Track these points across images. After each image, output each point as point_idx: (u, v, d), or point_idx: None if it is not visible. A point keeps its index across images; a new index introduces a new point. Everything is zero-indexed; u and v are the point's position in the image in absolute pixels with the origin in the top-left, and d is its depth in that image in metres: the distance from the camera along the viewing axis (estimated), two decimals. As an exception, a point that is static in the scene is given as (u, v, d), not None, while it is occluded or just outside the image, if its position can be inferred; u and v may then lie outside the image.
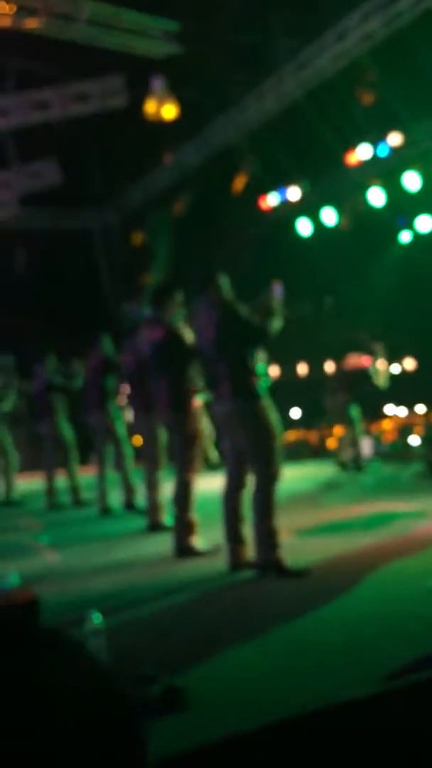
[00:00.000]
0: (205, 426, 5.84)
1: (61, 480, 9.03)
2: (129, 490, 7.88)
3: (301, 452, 11.47)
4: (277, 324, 4.94)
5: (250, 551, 4.93)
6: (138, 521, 7.13)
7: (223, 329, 4.94)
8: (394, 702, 0.70)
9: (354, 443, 9.77)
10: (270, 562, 4.73)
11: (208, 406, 5.77)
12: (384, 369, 9.61)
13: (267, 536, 4.74)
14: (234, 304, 5.01)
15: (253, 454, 4.84)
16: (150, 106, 10.48)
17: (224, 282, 5.12)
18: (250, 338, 4.94)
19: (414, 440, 10.30)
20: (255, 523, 4.80)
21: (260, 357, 5.04)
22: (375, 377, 9.50)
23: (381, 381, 9.56)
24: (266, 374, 5.15)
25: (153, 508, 6.79)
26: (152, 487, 6.81)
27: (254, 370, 4.93)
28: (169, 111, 10.45)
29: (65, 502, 8.94)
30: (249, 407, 4.82)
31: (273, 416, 4.90)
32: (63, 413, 9.03)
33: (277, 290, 5.09)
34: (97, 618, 3.29)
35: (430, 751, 0.60)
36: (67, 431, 9.04)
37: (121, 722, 0.68)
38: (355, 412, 9.75)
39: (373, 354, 9.49)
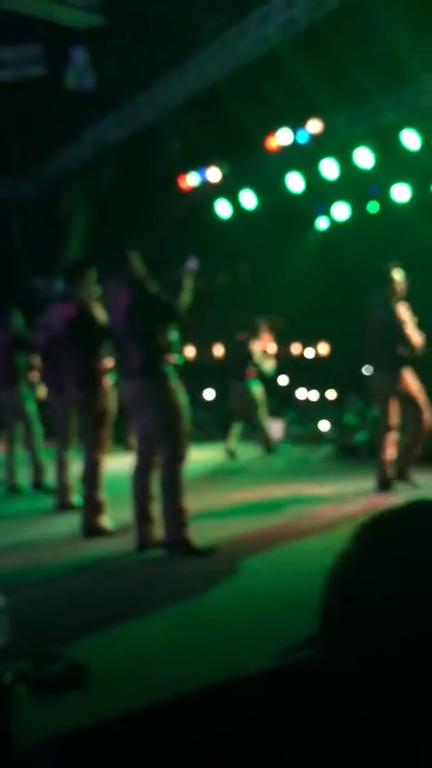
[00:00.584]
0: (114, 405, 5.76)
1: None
2: (38, 469, 7.78)
3: (212, 434, 11.56)
4: (185, 298, 4.92)
5: (158, 530, 4.94)
6: (46, 500, 7.06)
7: (133, 307, 4.92)
8: (284, 677, 0.71)
9: (260, 425, 9.65)
10: (177, 541, 4.76)
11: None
12: (265, 350, 9.52)
13: (174, 515, 4.76)
14: (145, 281, 4.99)
15: (160, 434, 4.83)
16: (69, 78, 10.25)
17: (135, 259, 5.08)
18: (160, 315, 4.93)
19: (324, 424, 10.53)
20: (163, 502, 4.82)
21: (172, 335, 5.04)
22: (261, 362, 9.41)
23: (266, 366, 9.48)
24: (178, 352, 5.15)
25: (62, 487, 6.73)
26: (62, 466, 6.74)
27: (164, 349, 4.92)
28: (89, 83, 10.24)
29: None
30: (158, 386, 4.81)
31: (181, 396, 4.91)
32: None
33: (191, 264, 5.08)
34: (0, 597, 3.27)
35: (314, 725, 0.62)
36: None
37: None
38: (257, 392, 9.65)
39: (255, 333, 9.41)
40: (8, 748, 0.66)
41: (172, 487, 4.80)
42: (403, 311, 6.47)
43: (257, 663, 0.84)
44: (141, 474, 5.04)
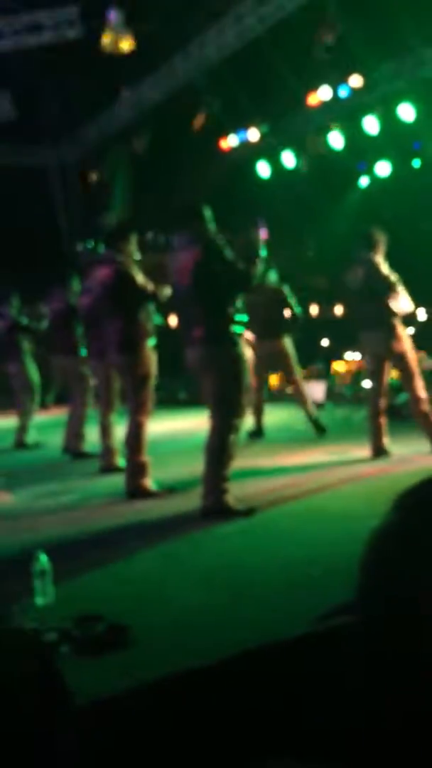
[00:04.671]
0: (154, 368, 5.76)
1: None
2: (78, 435, 7.86)
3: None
4: (259, 267, 4.72)
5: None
6: (94, 464, 7.19)
7: (204, 270, 4.63)
8: (323, 642, 0.73)
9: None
10: (219, 508, 4.74)
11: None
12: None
13: (218, 483, 4.74)
14: (219, 242, 4.68)
15: (219, 401, 4.76)
16: (106, 40, 10.18)
17: (209, 215, 4.80)
18: (234, 283, 4.67)
19: (367, 384, 10.46)
20: (208, 469, 4.77)
21: (239, 303, 4.78)
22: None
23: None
24: (243, 322, 4.93)
25: (107, 450, 6.84)
26: (105, 429, 6.85)
27: (231, 317, 4.71)
28: (126, 45, 10.17)
29: (30, 443, 8.92)
30: (223, 355, 4.69)
31: (244, 367, 4.79)
32: (28, 354, 8.95)
33: (262, 231, 4.80)
34: (43, 558, 3.38)
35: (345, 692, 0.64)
36: (33, 372, 8.99)
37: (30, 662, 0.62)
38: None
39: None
40: (66, 706, 0.65)
41: (221, 454, 4.72)
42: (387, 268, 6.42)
43: (294, 628, 0.86)
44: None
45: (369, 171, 11.45)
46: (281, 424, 9.25)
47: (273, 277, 8.04)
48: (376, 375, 6.60)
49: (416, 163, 10.76)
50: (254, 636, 2.74)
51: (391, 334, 6.33)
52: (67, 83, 12.95)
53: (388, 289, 6.34)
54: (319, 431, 8.02)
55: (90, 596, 3.46)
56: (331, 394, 10.96)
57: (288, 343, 8.06)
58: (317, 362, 11.86)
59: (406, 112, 9.97)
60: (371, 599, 0.72)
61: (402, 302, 6.38)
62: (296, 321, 8.26)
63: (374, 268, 6.41)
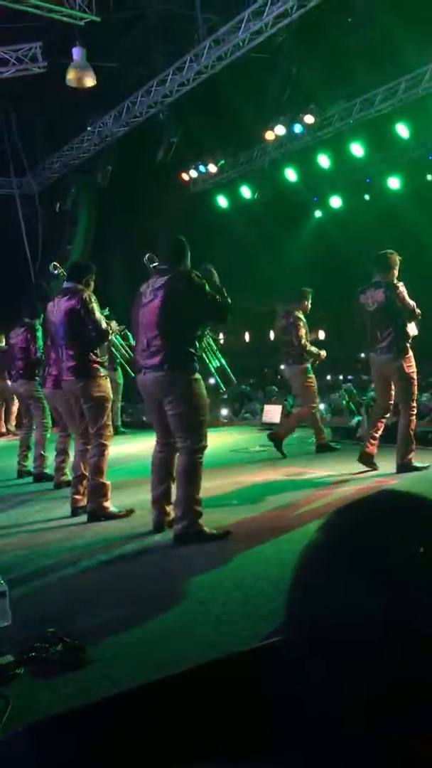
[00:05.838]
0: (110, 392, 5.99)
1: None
2: (40, 457, 8.05)
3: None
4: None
5: (172, 512, 4.98)
6: (50, 484, 7.39)
7: (182, 300, 4.81)
8: (266, 658, 0.84)
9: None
10: (192, 531, 4.79)
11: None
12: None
13: (191, 504, 4.81)
14: (199, 277, 4.86)
15: (182, 425, 4.87)
16: (70, 75, 10.51)
17: (188, 251, 5.03)
18: (213, 315, 4.96)
19: (320, 408, 10.82)
20: (178, 492, 4.87)
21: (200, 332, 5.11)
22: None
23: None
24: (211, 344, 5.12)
25: (57, 468, 7.18)
26: (61, 452, 7.16)
27: (196, 344, 4.95)
28: (89, 80, 10.51)
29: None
30: (185, 379, 4.84)
31: (203, 389, 4.97)
32: None
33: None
34: (1, 581, 3.43)
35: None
36: None
37: None
38: None
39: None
40: None
41: (190, 478, 4.78)
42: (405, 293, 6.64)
43: (246, 644, 0.90)
44: (161, 460, 5.09)
45: (322, 203, 11.91)
46: (241, 446, 9.51)
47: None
48: (384, 394, 6.77)
49: (366, 196, 11.24)
50: (208, 653, 2.92)
51: (404, 357, 6.55)
52: (31, 116, 13.27)
53: (411, 314, 6.58)
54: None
55: (47, 618, 3.44)
56: (287, 415, 11.26)
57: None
58: (274, 385, 12.21)
59: (357, 149, 10.46)
60: (295, 621, 0.74)
61: (412, 326, 6.68)
62: None
63: (395, 293, 6.58)
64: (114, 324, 6.02)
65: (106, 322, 5.98)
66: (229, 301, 4.94)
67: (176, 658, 2.91)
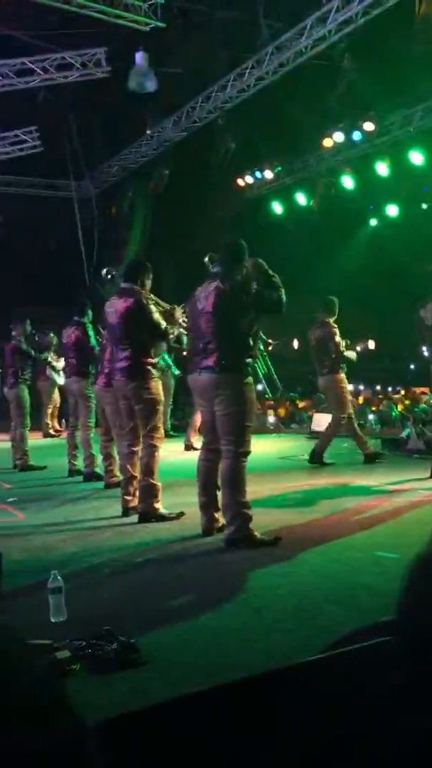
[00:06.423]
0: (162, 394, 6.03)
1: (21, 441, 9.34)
2: (89, 457, 8.16)
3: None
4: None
5: (222, 518, 4.98)
6: (100, 484, 7.49)
7: (233, 304, 4.85)
8: (334, 667, 0.85)
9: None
10: (242, 535, 4.78)
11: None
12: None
13: (239, 508, 4.80)
14: (247, 278, 4.89)
15: (229, 426, 4.87)
16: (132, 80, 10.65)
17: (246, 253, 5.05)
18: (265, 308, 4.93)
19: (371, 418, 10.75)
20: (224, 496, 4.87)
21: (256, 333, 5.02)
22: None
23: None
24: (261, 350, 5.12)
25: (108, 472, 7.27)
26: (107, 456, 7.28)
27: (249, 346, 4.95)
28: (151, 85, 10.63)
29: (34, 464, 9.22)
30: (237, 381, 4.85)
31: (253, 393, 5.00)
32: (24, 379, 9.29)
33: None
34: (57, 576, 3.46)
35: (358, 715, 0.75)
36: (26, 397, 9.31)
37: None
38: None
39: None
40: (68, 724, 0.60)
41: (235, 482, 4.77)
42: None
43: (302, 651, 0.94)
44: (209, 463, 5.08)
45: (378, 212, 11.83)
46: (290, 453, 9.50)
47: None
48: None
49: (424, 205, 11.14)
50: (260, 660, 2.91)
51: None
52: (91, 119, 13.48)
53: None
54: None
55: (102, 615, 3.46)
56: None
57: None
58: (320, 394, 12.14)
59: (416, 157, 10.37)
60: (413, 623, 0.75)
61: None
62: None
63: None
64: (178, 311, 6.03)
65: (169, 311, 6.00)
66: (283, 290, 4.93)
67: (229, 664, 2.91)
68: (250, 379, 4.93)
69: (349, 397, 8.34)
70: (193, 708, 0.85)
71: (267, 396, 11.17)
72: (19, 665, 0.59)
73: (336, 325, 8.19)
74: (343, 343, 8.19)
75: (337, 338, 8.12)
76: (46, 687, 0.59)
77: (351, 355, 8.27)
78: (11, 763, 0.50)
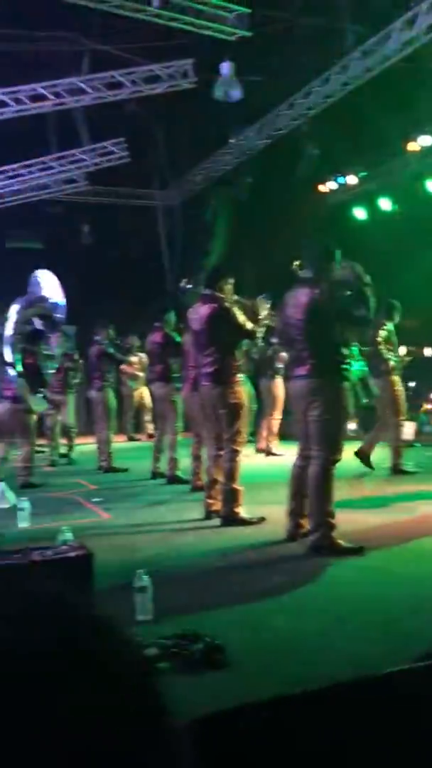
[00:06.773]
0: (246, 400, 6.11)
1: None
2: (172, 461, 8.27)
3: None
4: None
5: (307, 524, 5.00)
6: (185, 486, 7.59)
7: (325, 311, 4.87)
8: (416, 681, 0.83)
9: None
10: (326, 543, 4.78)
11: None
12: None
13: (324, 516, 4.80)
14: (337, 287, 4.94)
15: (322, 433, 4.88)
16: (218, 89, 10.77)
17: (338, 257, 5.06)
18: (352, 322, 5.04)
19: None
20: (312, 501, 4.88)
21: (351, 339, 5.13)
22: None
23: None
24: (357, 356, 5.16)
25: (194, 474, 7.34)
26: (196, 458, 7.32)
27: (343, 351, 4.97)
28: (236, 94, 10.72)
29: (117, 466, 9.41)
30: (332, 386, 4.87)
31: (346, 400, 5.02)
32: (110, 382, 9.52)
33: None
34: (144, 576, 3.57)
35: None
36: (112, 399, 9.52)
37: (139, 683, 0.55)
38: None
39: None
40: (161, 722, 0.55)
41: (323, 490, 4.79)
42: None
43: (386, 661, 0.90)
44: (301, 469, 5.10)
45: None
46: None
47: None
48: None
49: None
50: (345, 667, 2.92)
51: None
52: (176, 129, 13.70)
53: None
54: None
55: (187, 615, 3.56)
56: (419, 433, 11.04)
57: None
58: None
59: None
60: None
61: None
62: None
63: None
64: (261, 303, 6.18)
65: (252, 309, 6.01)
66: (372, 301, 4.95)
67: (312, 669, 2.93)
68: (345, 383, 4.94)
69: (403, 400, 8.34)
70: (291, 708, 0.85)
71: (361, 401, 11.06)
72: (128, 661, 0.58)
73: (386, 329, 8.20)
74: (404, 350, 8.36)
75: (378, 339, 8.13)
76: (151, 686, 0.58)
77: (402, 353, 8.47)
78: (116, 764, 0.48)
